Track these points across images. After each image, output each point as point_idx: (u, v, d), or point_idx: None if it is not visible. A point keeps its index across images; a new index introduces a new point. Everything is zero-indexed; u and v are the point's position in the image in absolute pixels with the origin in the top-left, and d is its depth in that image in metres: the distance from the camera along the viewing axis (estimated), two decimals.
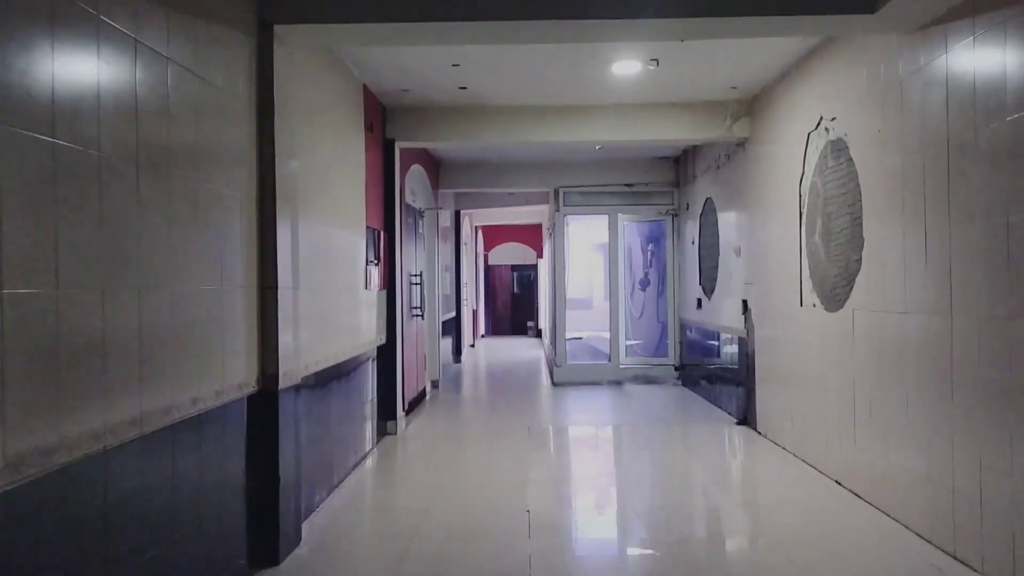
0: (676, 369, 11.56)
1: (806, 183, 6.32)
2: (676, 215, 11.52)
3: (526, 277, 23.73)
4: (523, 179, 11.66)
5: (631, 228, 12.47)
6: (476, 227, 19.36)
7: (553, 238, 11.88)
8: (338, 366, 5.89)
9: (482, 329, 21.96)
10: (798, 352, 6.51)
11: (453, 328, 14.74)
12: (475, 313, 19.04)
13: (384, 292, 7.75)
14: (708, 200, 9.61)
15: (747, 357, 7.95)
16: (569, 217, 12.53)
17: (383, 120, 7.76)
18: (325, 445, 5.56)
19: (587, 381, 11.59)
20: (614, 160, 11.45)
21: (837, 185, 5.69)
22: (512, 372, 13.96)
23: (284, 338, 4.30)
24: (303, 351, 4.87)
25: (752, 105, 7.72)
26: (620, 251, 11.93)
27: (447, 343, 13.70)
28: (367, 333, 6.95)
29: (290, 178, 4.44)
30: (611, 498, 5.87)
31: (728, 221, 8.76)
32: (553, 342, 12.29)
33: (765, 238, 7.38)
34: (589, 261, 18.37)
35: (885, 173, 4.92)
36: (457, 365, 14.65)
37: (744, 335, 8.03)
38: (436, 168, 11.39)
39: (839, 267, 5.67)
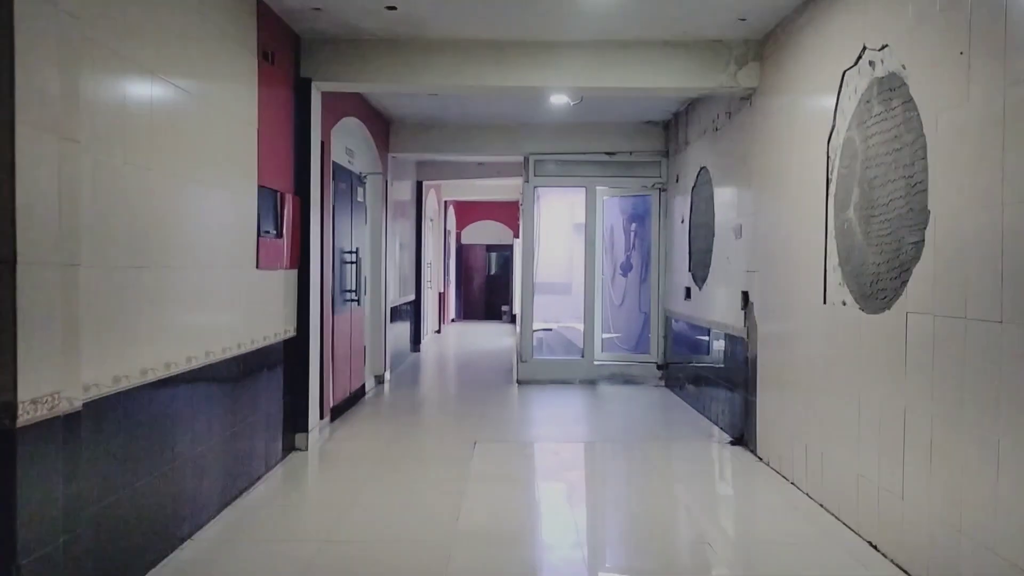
0: (659, 368, 10.02)
1: (836, 140, 4.75)
2: (664, 189, 9.94)
3: (502, 258, 22.13)
4: (489, 144, 10.04)
5: (612, 204, 10.88)
6: (445, 202, 17.73)
7: (523, 213, 10.29)
8: (196, 371, 4.29)
9: (452, 313, 20.37)
10: (817, 362, 4.97)
11: (411, 313, 13.15)
12: (442, 296, 17.45)
13: (294, 272, 6.15)
14: (702, 170, 8.03)
15: (746, 362, 6.41)
16: (541, 189, 10.94)
17: (294, 52, 6.10)
18: (163, 484, 3.97)
19: (556, 379, 10.04)
20: (593, 124, 9.84)
21: (886, 140, 4.13)
22: (475, 365, 12.39)
23: (34, 344, 2.70)
24: (100, 359, 3.27)
25: (764, 46, 6.12)
26: (598, 229, 10.35)
27: (403, 330, 12.11)
28: (261, 325, 5.35)
29: (51, 100, 2.81)
30: (558, 566, 4.31)
31: (726, 195, 7.19)
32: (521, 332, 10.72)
33: (775, 215, 5.82)
34: (569, 241, 16.79)
35: (971, 118, 3.35)
36: (415, 355, 13.07)
37: (743, 334, 6.49)
38: (384, 128, 9.74)
39: (885, 253, 4.11)
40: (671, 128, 9.58)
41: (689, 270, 8.49)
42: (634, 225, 11.08)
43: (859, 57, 4.45)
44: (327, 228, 7.01)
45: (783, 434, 5.61)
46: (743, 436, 6.52)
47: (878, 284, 4.19)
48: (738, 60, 6.22)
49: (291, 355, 6.11)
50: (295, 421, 6.23)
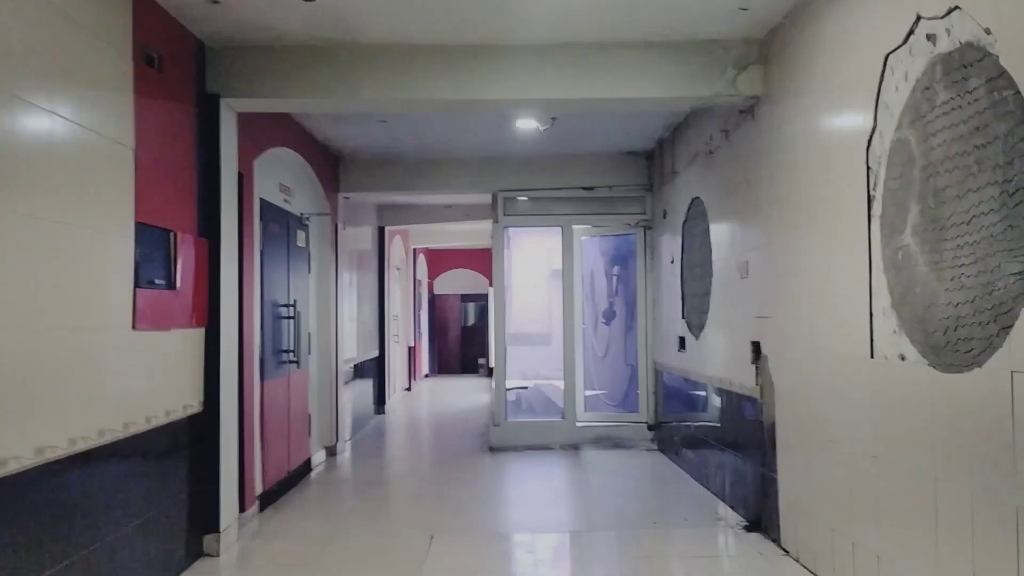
0: (650, 428, 8.82)
1: (880, 145, 3.66)
2: (649, 227, 8.85)
3: (479, 308, 20.95)
4: (452, 180, 8.93)
5: (591, 244, 9.78)
6: (415, 250, 16.59)
7: (494, 257, 9.16)
8: (17, 477, 3.06)
9: (424, 368, 19.08)
10: (864, 434, 3.80)
11: (375, 371, 11.90)
12: (412, 351, 16.19)
13: (200, 332, 4.94)
14: (695, 202, 6.95)
15: (760, 427, 5.23)
16: (513, 230, 9.89)
17: (195, 61, 4.97)
18: None
19: (535, 445, 8.79)
20: (568, 156, 8.78)
21: (961, 135, 3.03)
22: (444, 428, 11.11)
23: None
24: None
25: (768, 46, 5.08)
26: (576, 273, 9.22)
27: (363, 391, 10.84)
28: (142, 402, 4.13)
29: None
30: None
31: (726, 228, 6.10)
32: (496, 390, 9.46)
33: (793, 248, 4.71)
34: (547, 287, 15.67)
35: None
36: (379, 418, 11.78)
37: (754, 393, 5.33)
38: (332, 163, 8.62)
39: (968, 289, 2.99)
40: (655, 157, 8.53)
41: (683, 317, 7.35)
42: (616, 268, 9.98)
43: (910, 32, 3.38)
44: (250, 277, 5.82)
45: (818, 524, 4.41)
46: (760, 520, 5.31)
47: (957, 332, 3.05)
48: (737, 63, 5.17)
49: (196, 436, 4.87)
50: (203, 519, 4.95)
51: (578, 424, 8.99)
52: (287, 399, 6.88)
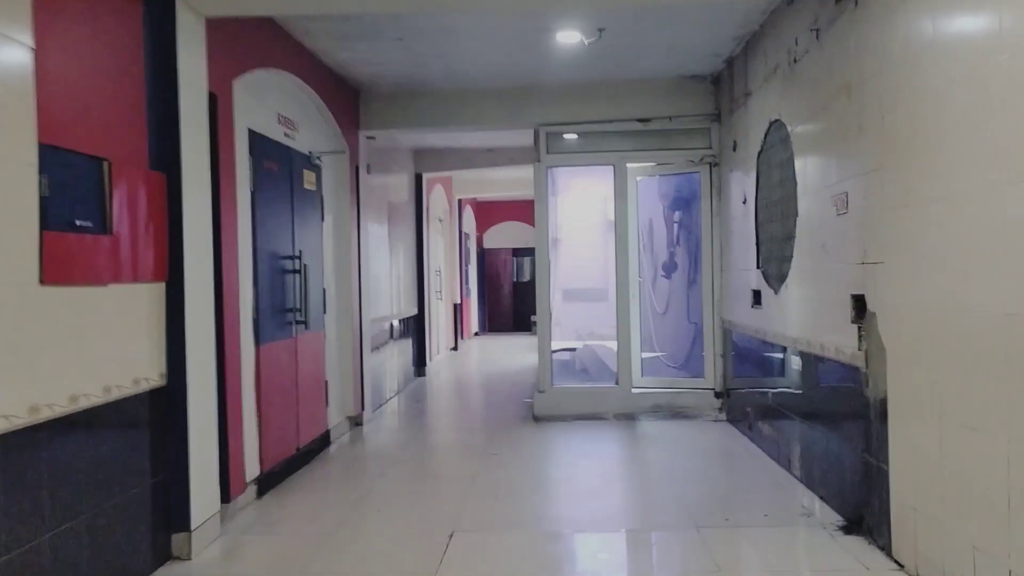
0: (717, 396, 7.70)
1: None
2: (715, 163, 7.62)
3: (532, 263, 19.87)
4: (487, 113, 7.82)
5: (649, 186, 8.59)
6: (460, 201, 15.55)
7: (537, 203, 8.05)
8: None
9: (474, 326, 18.18)
10: None
11: (414, 331, 10.99)
12: (459, 308, 15.25)
13: (161, 288, 4.00)
14: (774, 125, 5.72)
15: (866, 403, 4.09)
16: (559, 171, 8.74)
17: None
18: None
19: (585, 414, 7.76)
20: (621, 84, 7.58)
21: None
22: (488, 392, 10.17)
23: None
24: None
25: None
26: (631, 218, 8.05)
27: (399, 352, 9.96)
28: (65, 377, 3.21)
29: None
30: None
31: (816, 152, 4.88)
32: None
33: (916, 168, 3.50)
34: (604, 239, 14.49)
35: None
36: (419, 381, 10.90)
37: (857, 361, 4.17)
38: (350, 97, 7.58)
39: None
40: (723, 81, 7.27)
41: (758, 267, 6.17)
42: (677, 213, 8.78)
43: None
44: (231, 222, 4.86)
45: (952, 537, 3.28)
46: (862, 520, 4.19)
47: None
48: None
49: (159, 415, 3.96)
50: (171, 515, 4.07)
51: (634, 391, 7.91)
52: (294, 365, 5.97)
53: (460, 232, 15.81)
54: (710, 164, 7.66)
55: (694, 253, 8.30)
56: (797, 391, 5.30)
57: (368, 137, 8.19)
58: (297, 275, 5.99)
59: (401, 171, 10.45)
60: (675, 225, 8.91)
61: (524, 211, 18.21)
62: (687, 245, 8.58)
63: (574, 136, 7.89)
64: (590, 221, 15.51)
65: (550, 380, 7.95)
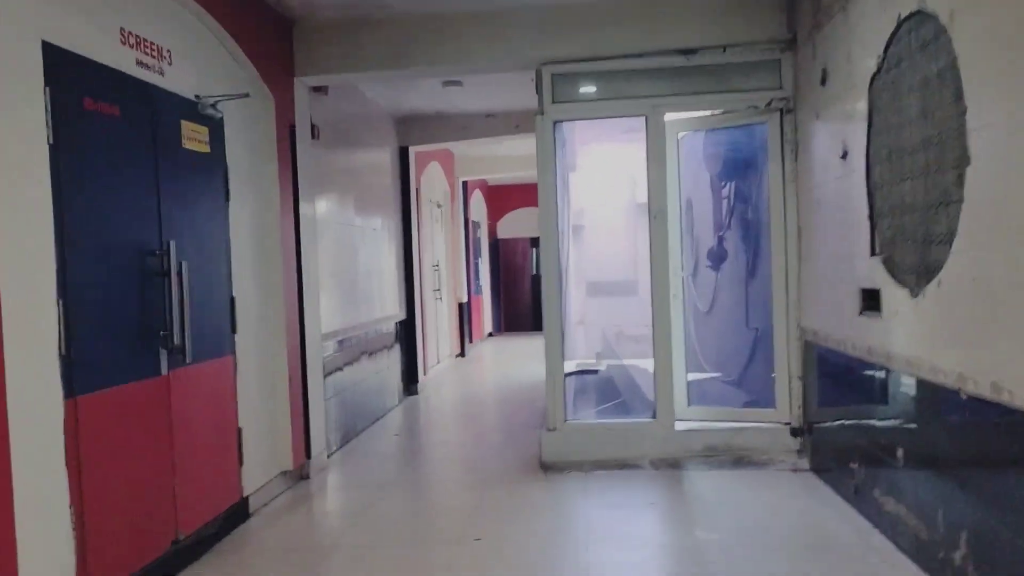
0: (795, 434, 5.54)
1: None
2: (790, 108, 5.44)
3: None
4: (471, 49, 5.69)
5: (692, 145, 6.44)
6: (466, 184, 13.41)
7: (539, 168, 5.90)
8: None
9: (488, 326, 16.08)
10: None
11: (401, 338, 8.94)
12: (465, 308, 13.15)
13: None
14: (909, 23, 3.52)
15: None
16: (571, 126, 6.63)
17: None
18: None
19: (611, 461, 5.64)
20: (653, 1, 5.43)
21: None
22: (491, 418, 8.08)
23: None
24: None
25: None
26: (671, 188, 5.89)
27: (382, 367, 7.92)
28: None
29: None
30: None
31: (1004, 44, 2.70)
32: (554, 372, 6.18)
33: None
34: (633, 221, 12.29)
35: None
36: (409, 401, 8.84)
37: None
38: (277, 30, 5.48)
39: None
40: None
41: (874, 253, 3.99)
42: (727, 184, 6.61)
43: None
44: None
45: None
46: None
47: None
48: None
49: None
50: None
51: (678, 426, 5.77)
52: (164, 416, 3.91)
53: (467, 220, 13.70)
54: (781, 110, 5.48)
55: (754, 236, 6.15)
56: (957, 449, 3.13)
57: (314, 89, 6.12)
58: (165, 279, 3.92)
59: (378, 143, 8.37)
60: (726, 200, 6.74)
61: None
62: (743, 225, 6.42)
63: (591, 87, 5.74)
64: (617, 202, 13.37)
65: (563, 413, 5.83)
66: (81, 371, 3.30)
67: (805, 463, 5.35)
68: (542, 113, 5.74)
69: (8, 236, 2.90)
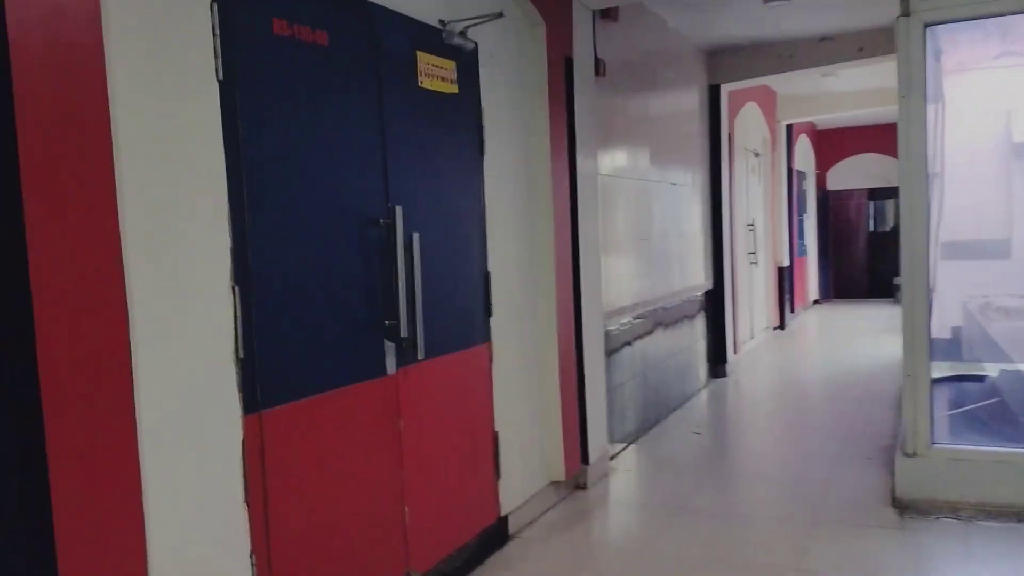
0: None
1: None
2: None
3: (895, 207, 14.91)
4: None
5: None
6: (789, 128, 11.47)
7: (905, 95, 4.22)
8: None
9: (812, 292, 14.03)
10: None
11: (706, 312, 7.65)
12: (786, 272, 11.33)
13: None
14: None
15: None
16: (951, 36, 4.80)
17: None
18: None
19: (1006, 508, 3.93)
20: None
21: None
22: (817, 417, 6.49)
23: None
24: None
25: None
26: None
27: (686, 344, 6.76)
28: None
29: None
30: None
31: None
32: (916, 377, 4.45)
33: None
34: (1003, 164, 9.66)
35: None
36: (715, 384, 7.56)
37: None
38: None
39: None
40: None
41: None
42: None
43: None
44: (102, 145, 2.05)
45: None
46: None
47: None
48: None
49: None
50: None
51: None
52: (386, 431, 3.10)
53: (790, 170, 11.81)
54: None
55: None
56: None
57: (600, 15, 5.00)
58: (388, 255, 3.08)
59: (681, 81, 7.04)
60: None
61: (884, 138, 13.40)
62: None
63: None
64: (985, 142, 10.66)
65: (929, 434, 4.19)
66: (267, 377, 2.54)
67: None
68: (907, 14, 4.06)
69: (154, 201, 2.16)
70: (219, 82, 2.39)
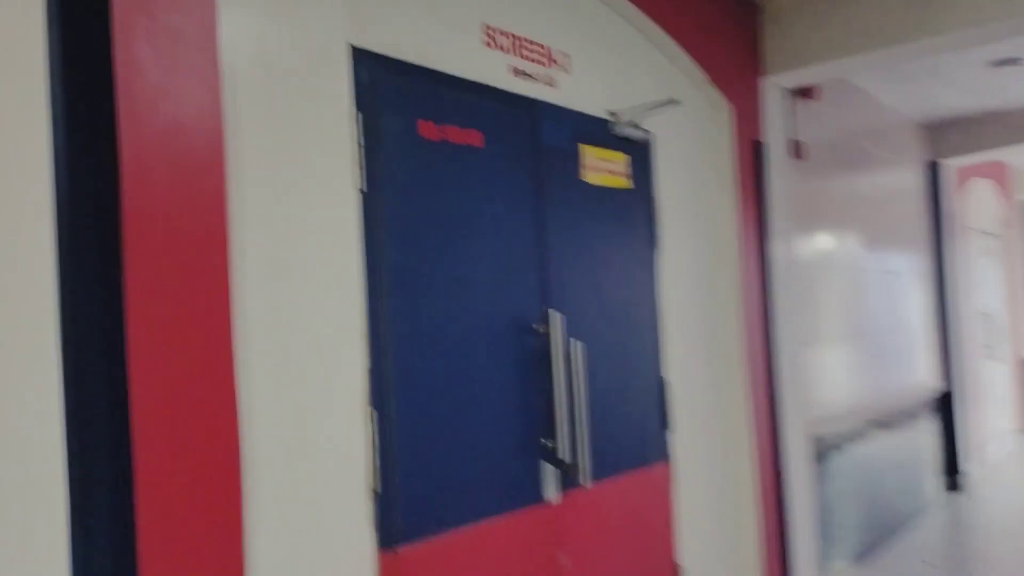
0: None
1: None
2: None
3: None
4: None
5: None
6: None
7: None
8: None
9: None
10: None
11: (937, 414, 6.68)
12: None
13: None
14: None
15: None
16: None
17: None
18: None
19: None
20: None
21: None
22: None
23: None
24: None
25: None
26: None
27: (910, 452, 5.90)
28: None
29: None
30: None
31: None
32: None
33: None
34: None
35: None
36: (951, 500, 6.50)
37: None
38: (736, 14, 4.07)
39: None
40: None
41: None
42: None
43: None
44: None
45: None
46: None
47: None
48: None
49: None
50: None
51: None
52: (545, 567, 2.76)
53: None
54: None
55: None
56: None
57: (796, 93, 4.57)
58: (545, 367, 2.79)
59: (895, 159, 6.34)
60: None
61: None
62: None
63: None
64: None
65: None
66: (405, 510, 2.30)
67: None
68: None
69: (277, 323, 2.02)
70: (362, 193, 2.27)
